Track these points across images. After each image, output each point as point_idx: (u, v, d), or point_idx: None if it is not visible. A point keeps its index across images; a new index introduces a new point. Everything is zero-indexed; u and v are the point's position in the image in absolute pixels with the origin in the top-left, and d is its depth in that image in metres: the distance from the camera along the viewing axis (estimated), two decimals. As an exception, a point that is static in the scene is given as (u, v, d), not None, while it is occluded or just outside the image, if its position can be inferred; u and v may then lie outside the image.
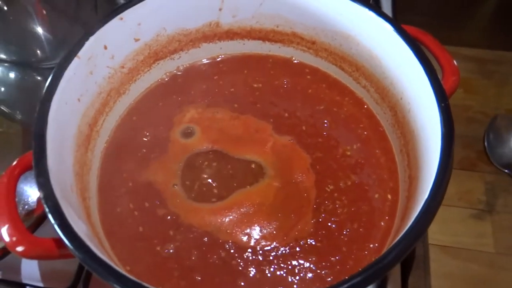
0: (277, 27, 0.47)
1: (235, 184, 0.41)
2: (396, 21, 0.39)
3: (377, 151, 0.43)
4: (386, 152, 0.43)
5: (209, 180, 0.41)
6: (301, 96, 0.47)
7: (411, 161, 0.39)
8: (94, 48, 0.38)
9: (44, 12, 0.56)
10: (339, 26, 0.43)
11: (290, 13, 0.45)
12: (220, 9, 0.45)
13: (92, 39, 0.38)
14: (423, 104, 0.37)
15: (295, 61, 0.49)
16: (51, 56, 0.59)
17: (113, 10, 0.39)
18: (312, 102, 0.47)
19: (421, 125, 0.37)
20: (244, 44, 0.49)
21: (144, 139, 0.44)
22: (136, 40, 0.43)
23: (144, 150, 0.43)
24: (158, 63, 0.46)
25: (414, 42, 0.38)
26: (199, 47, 0.48)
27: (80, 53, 0.37)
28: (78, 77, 0.38)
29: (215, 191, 0.40)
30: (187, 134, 0.44)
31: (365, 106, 0.46)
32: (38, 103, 0.34)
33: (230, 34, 0.48)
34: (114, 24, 0.39)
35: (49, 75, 0.35)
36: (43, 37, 0.57)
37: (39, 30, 0.56)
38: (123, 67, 0.43)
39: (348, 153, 0.43)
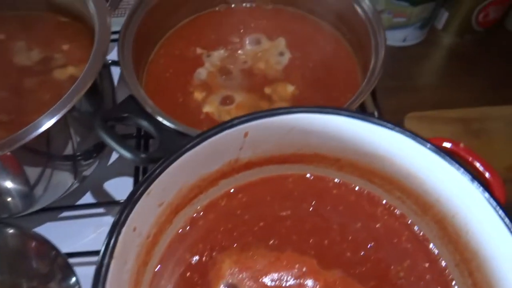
0: (299, 150, 0.44)
1: None
2: (431, 143, 0.38)
3: (426, 264, 0.42)
4: (433, 266, 0.42)
5: None
6: (334, 216, 0.44)
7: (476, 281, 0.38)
8: (126, 238, 0.33)
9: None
10: (371, 149, 0.41)
11: (317, 138, 0.42)
12: (240, 148, 0.41)
13: (123, 231, 0.33)
14: (484, 225, 0.36)
15: (317, 177, 0.47)
16: (24, 207, 0.52)
17: (137, 187, 0.34)
18: (346, 220, 0.44)
19: (485, 245, 0.36)
20: (261, 169, 0.46)
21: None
22: (160, 205, 0.38)
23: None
24: (178, 215, 0.42)
25: (458, 162, 0.38)
26: (217, 185, 0.44)
27: (116, 253, 0.32)
28: (113, 274, 0.32)
29: None
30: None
31: (403, 217, 0.44)
32: None
33: (249, 165, 0.44)
34: (142, 203, 0.34)
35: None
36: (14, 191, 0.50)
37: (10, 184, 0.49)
38: (148, 237, 0.38)
39: (401, 274, 0.41)
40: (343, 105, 0.52)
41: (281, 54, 0.60)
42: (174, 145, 0.44)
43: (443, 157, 0.37)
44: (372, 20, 0.54)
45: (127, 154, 0.42)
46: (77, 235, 0.56)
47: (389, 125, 0.38)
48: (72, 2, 0.58)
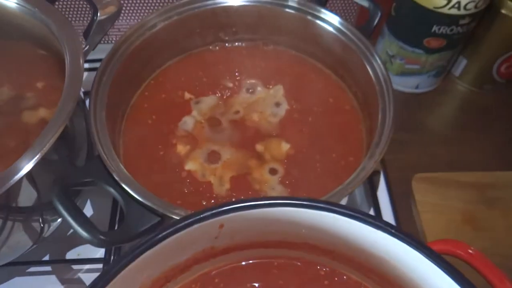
0: (286, 239, 0.38)
1: None
2: (436, 255, 0.32)
3: None
4: None
5: None
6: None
7: None
8: None
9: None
10: (370, 249, 0.35)
11: (307, 230, 0.36)
12: (216, 237, 0.35)
13: None
14: None
15: (307, 263, 0.40)
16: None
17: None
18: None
19: None
20: (242, 253, 0.39)
21: None
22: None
23: None
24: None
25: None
26: (190, 271, 0.38)
27: None
28: None
29: None
30: None
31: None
32: None
33: (227, 251, 0.38)
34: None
35: None
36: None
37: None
38: None
39: None
40: (343, 174, 0.46)
41: (278, 104, 0.54)
42: (141, 224, 0.38)
43: (450, 274, 0.31)
44: (381, 80, 0.47)
45: (83, 234, 0.36)
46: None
47: (390, 229, 0.32)
48: (47, 34, 0.52)
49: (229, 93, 0.55)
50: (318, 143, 0.51)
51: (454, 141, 0.65)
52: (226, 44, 0.59)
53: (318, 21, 0.54)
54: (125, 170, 0.41)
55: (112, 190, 0.40)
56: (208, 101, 0.54)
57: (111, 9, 0.51)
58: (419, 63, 0.63)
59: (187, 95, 0.55)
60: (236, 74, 0.57)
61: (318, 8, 0.54)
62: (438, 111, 0.69)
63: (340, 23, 0.52)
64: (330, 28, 0.53)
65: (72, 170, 0.43)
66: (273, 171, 0.49)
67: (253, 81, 0.56)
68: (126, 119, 0.53)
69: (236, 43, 0.59)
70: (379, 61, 0.48)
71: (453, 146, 0.64)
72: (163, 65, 0.57)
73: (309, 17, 0.54)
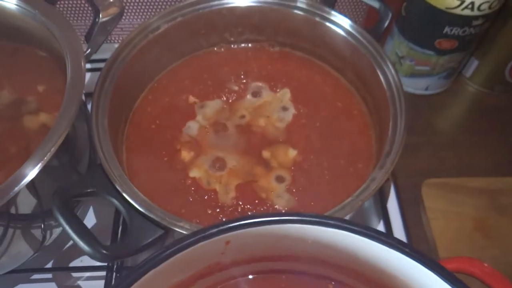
0: (295, 253, 0.36)
1: None
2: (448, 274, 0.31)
3: None
4: None
5: None
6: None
7: None
8: None
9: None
10: (381, 266, 0.34)
11: (316, 246, 0.35)
12: (222, 253, 0.34)
13: None
14: None
15: (316, 276, 0.39)
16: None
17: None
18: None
19: None
20: (249, 266, 0.38)
21: None
22: (115, 328, 0.31)
23: None
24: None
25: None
26: (194, 285, 0.37)
27: None
28: None
29: None
30: None
31: None
32: None
33: (233, 265, 0.37)
34: None
35: None
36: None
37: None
38: None
39: None
40: (352, 182, 0.45)
41: (285, 109, 0.53)
42: (144, 236, 0.37)
43: None
44: (392, 85, 0.46)
45: (85, 248, 0.35)
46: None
47: (403, 248, 0.31)
48: (48, 36, 0.50)
49: (234, 97, 0.53)
50: (326, 149, 0.49)
51: (464, 144, 0.64)
52: (232, 45, 0.57)
53: (327, 23, 0.52)
54: (128, 180, 0.40)
55: (114, 201, 0.39)
56: (213, 105, 0.53)
57: (114, 10, 0.50)
58: (429, 65, 0.62)
59: (192, 99, 0.53)
60: (242, 76, 0.55)
61: (327, 9, 0.52)
62: (448, 113, 0.68)
63: (350, 26, 0.51)
64: (340, 31, 0.51)
65: (73, 179, 0.42)
66: (280, 179, 0.47)
67: (259, 84, 0.55)
68: (129, 124, 0.52)
69: (242, 44, 0.58)
70: (390, 66, 0.46)
71: (463, 150, 0.63)
72: (167, 67, 0.56)
73: (318, 19, 0.53)
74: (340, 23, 0.51)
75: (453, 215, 0.55)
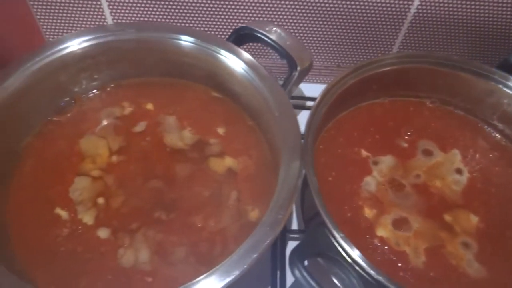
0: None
1: None
2: None
3: None
4: None
5: None
6: None
7: None
8: None
9: None
10: None
11: None
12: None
13: None
14: None
15: None
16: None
17: None
18: None
19: None
20: None
21: None
22: None
23: None
24: None
25: None
26: None
27: None
28: None
29: None
30: None
31: None
32: None
33: None
34: None
35: None
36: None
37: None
38: None
39: None
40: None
41: (458, 171, 0.53)
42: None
43: None
44: None
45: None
46: None
47: None
48: (232, 79, 0.51)
49: (406, 154, 0.54)
50: (505, 218, 0.50)
51: None
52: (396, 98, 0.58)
53: (504, 89, 0.53)
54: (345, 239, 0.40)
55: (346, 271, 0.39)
56: (387, 162, 0.53)
57: (307, 63, 0.51)
58: None
59: (364, 153, 0.54)
60: (409, 132, 0.56)
61: (505, 75, 0.53)
62: None
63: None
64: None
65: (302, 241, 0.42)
66: (465, 246, 0.48)
67: (427, 142, 0.55)
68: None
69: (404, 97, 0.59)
70: None
71: None
72: (332, 119, 0.56)
73: (494, 83, 0.54)
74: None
75: None
